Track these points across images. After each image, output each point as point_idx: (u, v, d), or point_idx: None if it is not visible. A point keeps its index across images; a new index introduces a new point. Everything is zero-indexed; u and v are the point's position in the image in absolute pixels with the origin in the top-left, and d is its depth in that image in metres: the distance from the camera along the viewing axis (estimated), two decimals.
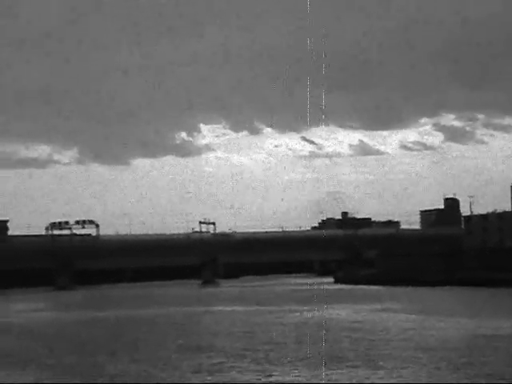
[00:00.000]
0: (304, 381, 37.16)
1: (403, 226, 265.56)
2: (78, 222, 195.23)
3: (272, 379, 38.15)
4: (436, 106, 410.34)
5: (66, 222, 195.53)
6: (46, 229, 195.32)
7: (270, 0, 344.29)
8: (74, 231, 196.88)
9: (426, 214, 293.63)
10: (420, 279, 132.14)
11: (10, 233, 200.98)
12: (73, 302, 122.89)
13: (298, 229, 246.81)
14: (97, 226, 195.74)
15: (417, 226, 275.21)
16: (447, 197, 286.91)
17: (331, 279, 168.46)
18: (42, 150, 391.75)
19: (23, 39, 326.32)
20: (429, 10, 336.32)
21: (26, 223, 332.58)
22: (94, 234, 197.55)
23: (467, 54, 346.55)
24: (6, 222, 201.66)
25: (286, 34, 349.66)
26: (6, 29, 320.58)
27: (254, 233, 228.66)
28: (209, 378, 39.06)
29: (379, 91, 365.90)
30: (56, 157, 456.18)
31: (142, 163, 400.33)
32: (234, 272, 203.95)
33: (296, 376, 38.70)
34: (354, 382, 36.54)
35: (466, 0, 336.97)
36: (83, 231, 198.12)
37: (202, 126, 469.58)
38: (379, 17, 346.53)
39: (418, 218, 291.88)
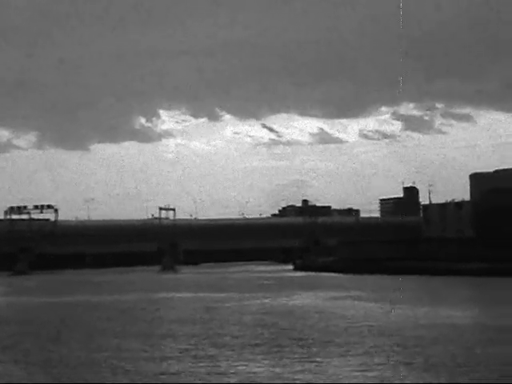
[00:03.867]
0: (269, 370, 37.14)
1: (363, 215, 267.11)
2: (36, 207, 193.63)
3: (223, 365, 38.13)
4: (395, 95, 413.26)
5: (25, 207, 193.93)
6: (5, 213, 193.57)
7: None
8: (33, 216, 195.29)
9: (385, 203, 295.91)
10: (379, 267, 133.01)
11: None
12: (30, 287, 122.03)
13: (259, 216, 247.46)
14: (56, 210, 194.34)
15: (376, 215, 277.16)
16: (406, 185, 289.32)
17: (290, 267, 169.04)
18: (1, 135, 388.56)
19: None
20: (392, 3, 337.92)
21: None
22: (52, 219, 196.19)
23: (427, 44, 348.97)
24: None
25: (250, 25, 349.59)
26: None
27: (215, 219, 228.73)
28: (162, 364, 38.94)
29: (339, 80, 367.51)
30: (15, 141, 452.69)
31: (101, 148, 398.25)
32: (194, 259, 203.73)
33: (252, 362, 38.73)
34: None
35: None
36: (42, 216, 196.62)
37: (161, 111, 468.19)
38: (343, 10, 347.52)
39: (377, 207, 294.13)
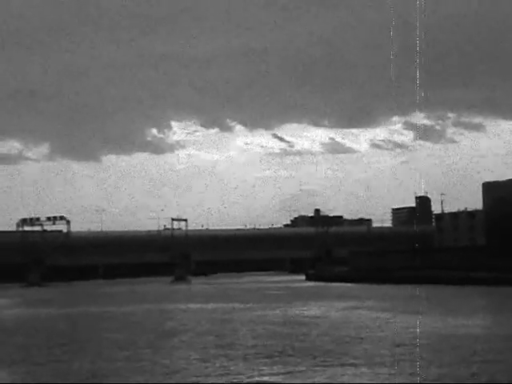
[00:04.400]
0: (281, 380, 36.89)
1: (375, 224, 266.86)
2: (49, 219, 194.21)
3: (236, 375, 37.93)
4: (407, 105, 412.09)
5: (37, 219, 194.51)
6: (17, 225, 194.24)
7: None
8: (45, 227, 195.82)
9: (397, 212, 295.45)
10: (392, 277, 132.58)
11: None
12: (42, 299, 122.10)
13: (270, 226, 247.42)
14: (68, 222, 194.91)
15: (388, 224, 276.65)
16: (418, 195, 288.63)
17: (302, 277, 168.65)
18: (12, 147, 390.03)
19: None
20: (401, 9, 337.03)
21: None
22: (65, 230, 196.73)
23: (438, 53, 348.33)
24: None
25: (260, 34, 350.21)
26: None
27: (226, 230, 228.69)
28: (174, 376, 38.75)
29: (351, 89, 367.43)
30: (26, 153, 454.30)
31: (113, 160, 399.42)
32: (206, 269, 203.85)
33: (268, 373, 38.51)
34: (331, 382, 36.33)
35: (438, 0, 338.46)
36: (54, 227, 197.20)
37: (173, 123, 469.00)
38: (353, 16, 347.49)
39: (389, 216, 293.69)
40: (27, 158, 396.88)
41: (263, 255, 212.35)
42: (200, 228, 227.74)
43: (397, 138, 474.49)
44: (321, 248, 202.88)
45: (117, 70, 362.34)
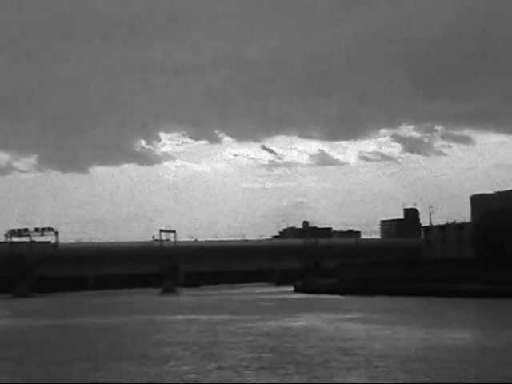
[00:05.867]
0: None
1: (364, 236, 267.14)
2: (37, 230, 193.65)
3: None
4: (395, 117, 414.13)
5: (26, 229, 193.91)
6: (5, 236, 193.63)
7: (230, 10, 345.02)
8: (34, 238, 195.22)
9: (386, 224, 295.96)
10: (380, 289, 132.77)
11: None
12: (31, 310, 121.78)
13: (259, 238, 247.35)
14: (56, 233, 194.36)
15: (377, 236, 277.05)
16: (407, 207, 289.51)
17: (291, 288, 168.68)
18: (1, 158, 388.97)
19: None
20: (390, 22, 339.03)
21: None
22: (53, 241, 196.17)
23: (427, 66, 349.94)
24: None
25: (248, 44, 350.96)
26: None
27: (215, 241, 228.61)
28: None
29: (340, 102, 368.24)
30: (15, 164, 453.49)
31: (101, 171, 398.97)
32: (195, 281, 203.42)
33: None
34: None
35: (425, 13, 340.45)
36: (42, 238, 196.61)
37: (161, 134, 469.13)
38: (341, 27, 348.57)
39: (378, 228, 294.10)
40: (16, 169, 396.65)
41: (252, 267, 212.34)
42: (189, 239, 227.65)
43: (385, 151, 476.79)
44: (310, 260, 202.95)
45: (105, 81, 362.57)
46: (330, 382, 38.97)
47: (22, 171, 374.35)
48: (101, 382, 40.51)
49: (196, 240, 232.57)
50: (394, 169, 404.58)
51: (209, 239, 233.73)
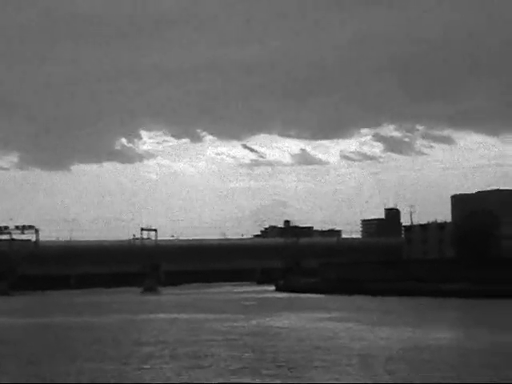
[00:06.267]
0: None
1: (344, 235, 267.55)
2: (17, 227, 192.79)
3: None
4: (376, 117, 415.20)
5: (6, 227, 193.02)
6: None
7: (214, 10, 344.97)
8: (14, 236, 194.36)
9: (367, 224, 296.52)
10: (361, 288, 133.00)
11: None
12: (11, 308, 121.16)
13: (241, 237, 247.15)
14: (36, 231, 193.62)
15: (358, 235, 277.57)
16: (388, 207, 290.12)
17: (272, 287, 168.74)
18: None
19: None
20: (375, 25, 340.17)
21: None
22: (33, 239, 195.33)
23: (409, 67, 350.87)
24: None
25: (233, 46, 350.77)
26: None
27: (196, 240, 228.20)
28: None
29: (322, 101, 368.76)
30: None
31: (82, 168, 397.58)
32: (176, 279, 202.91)
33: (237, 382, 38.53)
34: None
35: (411, 15, 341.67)
36: (23, 236, 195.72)
37: (142, 132, 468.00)
38: (328, 30, 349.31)
39: (359, 228, 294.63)
40: None
41: (233, 266, 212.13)
42: (170, 238, 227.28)
43: (366, 150, 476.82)
44: (291, 259, 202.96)
45: (87, 81, 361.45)
46: (312, 382, 38.93)
47: (3, 169, 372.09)
48: (84, 382, 40.28)
49: (177, 239, 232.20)
50: (375, 168, 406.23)
51: (190, 238, 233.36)
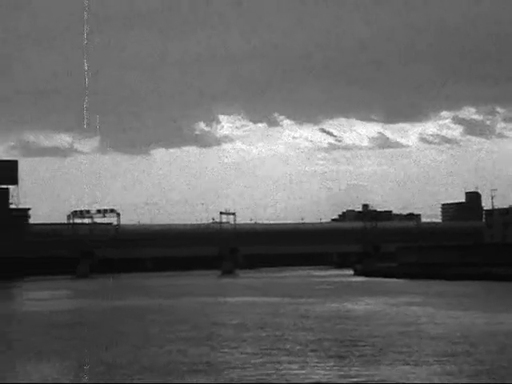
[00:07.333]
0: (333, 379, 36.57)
1: (424, 220, 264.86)
2: (99, 211, 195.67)
3: (286, 371, 37.70)
4: (456, 100, 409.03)
5: (88, 211, 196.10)
6: (68, 217, 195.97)
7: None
8: (95, 220, 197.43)
9: (447, 208, 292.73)
10: (440, 273, 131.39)
11: (31, 221, 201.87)
12: (91, 291, 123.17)
13: (318, 221, 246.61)
14: (118, 214, 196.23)
15: (438, 220, 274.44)
16: (468, 190, 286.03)
17: (350, 271, 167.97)
18: (63, 140, 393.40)
19: (38, 35, 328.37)
20: (450, 6, 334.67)
21: (48, 212, 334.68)
22: (114, 223, 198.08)
23: (489, 49, 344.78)
24: (28, 210, 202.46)
25: (307, 31, 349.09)
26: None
27: (274, 224, 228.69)
28: (224, 372, 38.63)
29: (399, 84, 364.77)
30: (77, 146, 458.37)
31: (161, 153, 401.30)
32: (254, 263, 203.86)
33: (321, 369, 38.27)
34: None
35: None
36: (104, 220, 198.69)
37: (221, 116, 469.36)
38: (399, 13, 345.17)
39: (439, 212, 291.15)
40: (78, 152, 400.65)
41: (311, 249, 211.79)
42: (248, 222, 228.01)
43: (446, 133, 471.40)
44: (369, 243, 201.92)
45: (167, 66, 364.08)
46: (391, 369, 38.49)
47: (84, 153, 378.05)
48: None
49: (255, 222, 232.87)
50: (455, 151, 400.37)
51: (268, 222, 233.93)
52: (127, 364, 40.78)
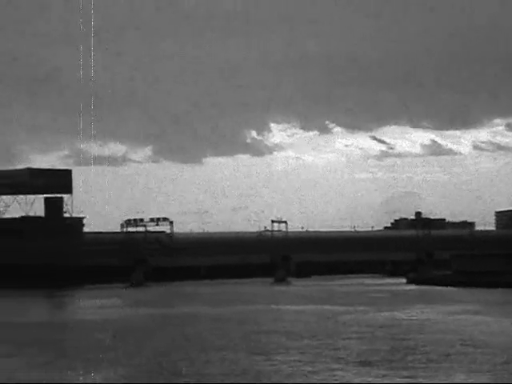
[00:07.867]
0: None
1: (478, 227, 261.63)
2: (152, 220, 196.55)
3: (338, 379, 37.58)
4: (509, 107, 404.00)
5: (141, 220, 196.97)
6: (121, 226, 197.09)
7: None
8: (149, 228, 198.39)
9: (501, 215, 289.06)
10: (495, 281, 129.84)
11: (85, 230, 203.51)
12: (145, 299, 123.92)
13: (370, 229, 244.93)
14: (171, 223, 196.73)
15: (492, 227, 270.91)
16: None
17: (403, 280, 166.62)
18: (116, 149, 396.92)
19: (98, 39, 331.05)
20: (502, 10, 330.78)
21: (101, 220, 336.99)
22: (167, 231, 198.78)
23: None
24: (82, 219, 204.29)
25: (351, 37, 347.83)
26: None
27: (326, 232, 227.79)
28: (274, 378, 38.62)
29: (451, 91, 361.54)
30: (131, 155, 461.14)
31: (213, 161, 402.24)
32: (306, 271, 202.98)
33: (368, 375, 38.11)
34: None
35: None
36: (157, 228, 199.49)
37: (272, 125, 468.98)
38: (444, 19, 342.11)
39: (493, 219, 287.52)
40: (132, 160, 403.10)
41: (363, 257, 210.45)
42: (300, 230, 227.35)
43: (499, 140, 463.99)
44: (422, 251, 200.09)
45: (218, 74, 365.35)
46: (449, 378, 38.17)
47: (137, 162, 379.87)
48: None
49: (307, 230, 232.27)
50: (509, 158, 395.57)
51: (319, 230, 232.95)
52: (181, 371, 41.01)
